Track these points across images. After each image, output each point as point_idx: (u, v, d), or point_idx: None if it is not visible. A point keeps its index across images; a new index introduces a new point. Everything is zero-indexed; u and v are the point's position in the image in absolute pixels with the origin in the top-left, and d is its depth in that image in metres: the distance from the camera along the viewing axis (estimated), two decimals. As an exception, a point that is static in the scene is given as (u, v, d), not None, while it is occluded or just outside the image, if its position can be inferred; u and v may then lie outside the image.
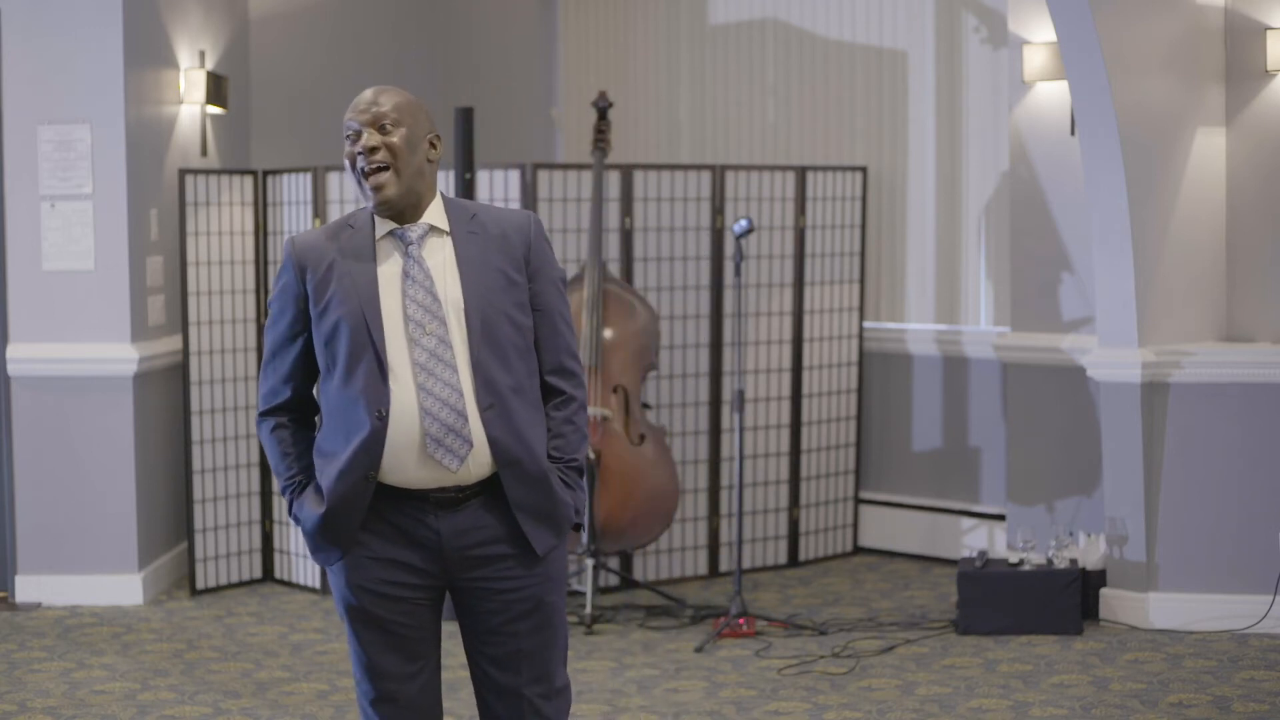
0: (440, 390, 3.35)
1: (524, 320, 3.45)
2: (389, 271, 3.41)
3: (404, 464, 3.37)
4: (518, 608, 3.45)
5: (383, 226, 3.44)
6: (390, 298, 3.39)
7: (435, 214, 3.46)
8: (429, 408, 3.34)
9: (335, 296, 3.39)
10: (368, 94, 3.43)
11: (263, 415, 3.52)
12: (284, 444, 3.50)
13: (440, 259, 3.42)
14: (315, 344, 3.44)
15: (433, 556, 3.42)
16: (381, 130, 3.39)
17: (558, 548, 3.50)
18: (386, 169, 3.38)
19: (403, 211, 3.42)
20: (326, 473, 3.41)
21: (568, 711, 3.57)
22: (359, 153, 3.38)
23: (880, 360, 7.78)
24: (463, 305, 3.39)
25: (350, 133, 3.40)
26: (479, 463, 3.39)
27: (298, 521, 3.49)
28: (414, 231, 3.42)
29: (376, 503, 3.41)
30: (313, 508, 3.43)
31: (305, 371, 3.49)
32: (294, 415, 3.52)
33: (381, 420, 3.34)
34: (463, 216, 3.47)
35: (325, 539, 3.43)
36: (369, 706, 3.49)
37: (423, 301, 3.38)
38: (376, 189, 3.38)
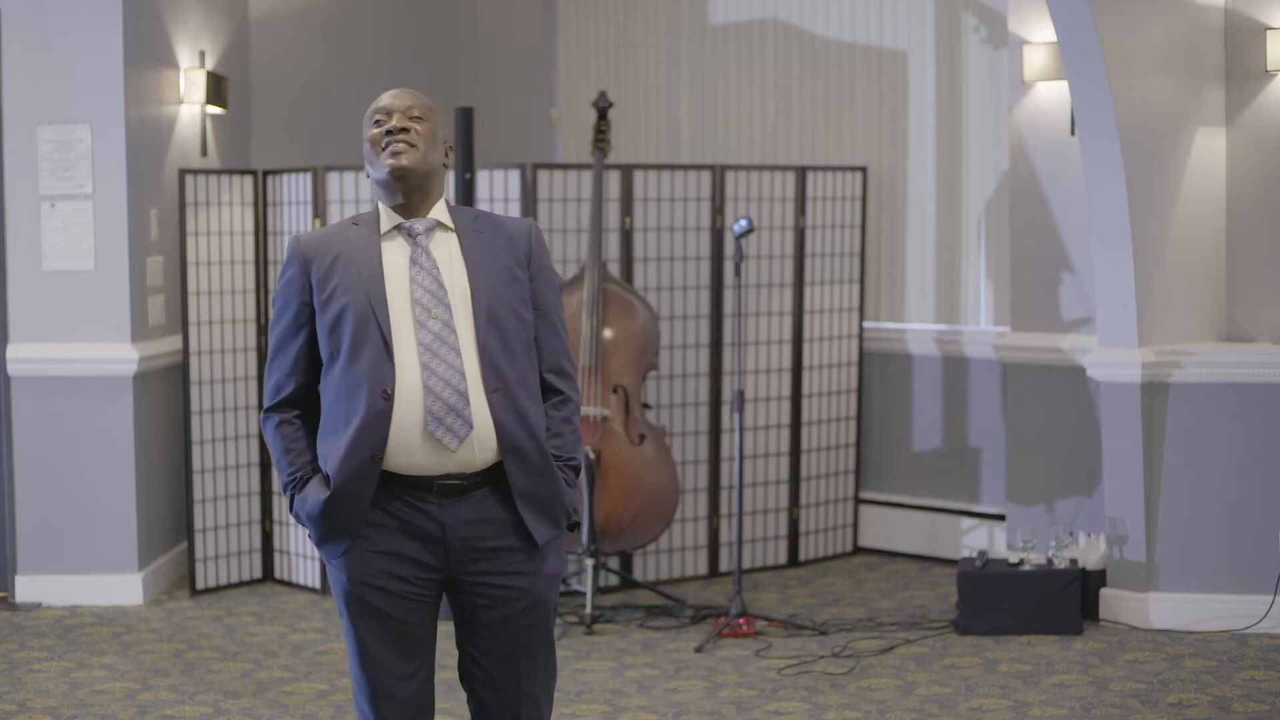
0: (443, 371, 3.41)
1: (527, 315, 3.52)
2: (395, 261, 3.48)
3: (409, 445, 3.40)
4: (518, 604, 3.49)
5: (389, 221, 3.52)
6: (397, 285, 3.46)
7: (440, 212, 3.55)
8: (432, 386, 3.39)
9: (340, 285, 3.45)
10: (395, 90, 3.55)
11: (268, 411, 3.54)
12: (288, 439, 3.52)
13: (446, 252, 3.51)
14: (319, 334, 3.48)
15: (436, 549, 3.45)
16: (409, 118, 3.49)
17: (556, 541, 3.54)
18: (411, 145, 3.48)
19: (411, 198, 3.50)
20: (331, 456, 3.43)
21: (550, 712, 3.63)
22: (386, 131, 3.47)
23: (880, 360, 7.78)
24: (469, 294, 3.46)
25: (379, 117, 3.50)
26: (483, 448, 3.43)
27: (298, 518, 3.50)
28: (420, 225, 3.51)
29: (380, 495, 3.43)
30: (317, 493, 3.44)
31: (310, 366, 3.52)
32: (299, 411, 3.54)
33: (387, 399, 3.39)
34: (466, 218, 3.58)
35: (331, 524, 3.43)
36: (366, 703, 3.53)
37: (429, 288, 3.45)
38: (395, 155, 3.46)
